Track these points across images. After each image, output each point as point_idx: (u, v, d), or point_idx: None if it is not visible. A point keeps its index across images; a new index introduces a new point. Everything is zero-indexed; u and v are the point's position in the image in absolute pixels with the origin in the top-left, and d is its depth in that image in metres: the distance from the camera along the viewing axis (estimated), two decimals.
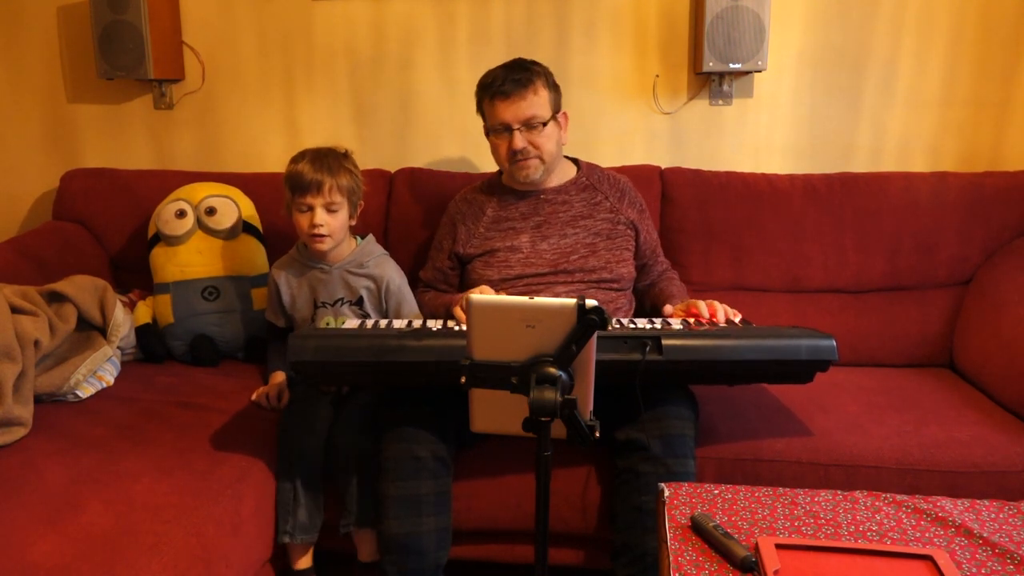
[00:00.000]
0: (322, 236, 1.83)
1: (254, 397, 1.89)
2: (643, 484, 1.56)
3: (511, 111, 1.82)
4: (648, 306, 2.01)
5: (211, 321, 2.14)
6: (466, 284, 1.97)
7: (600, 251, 1.91)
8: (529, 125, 1.83)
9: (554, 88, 1.88)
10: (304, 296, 1.93)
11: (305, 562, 1.77)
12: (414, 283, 2.06)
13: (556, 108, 1.88)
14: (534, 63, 1.87)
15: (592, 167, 2.04)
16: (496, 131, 1.86)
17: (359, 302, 1.90)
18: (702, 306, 1.68)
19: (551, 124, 1.86)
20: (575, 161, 2.04)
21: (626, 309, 1.94)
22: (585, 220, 1.93)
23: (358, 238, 1.97)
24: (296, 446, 1.72)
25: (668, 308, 1.78)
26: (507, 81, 1.81)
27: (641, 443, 1.57)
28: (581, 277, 1.88)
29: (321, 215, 1.81)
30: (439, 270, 2.02)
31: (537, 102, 1.82)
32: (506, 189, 1.98)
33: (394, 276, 1.92)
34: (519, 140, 1.83)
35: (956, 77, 2.31)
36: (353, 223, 1.92)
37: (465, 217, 1.99)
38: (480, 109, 1.91)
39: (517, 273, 1.89)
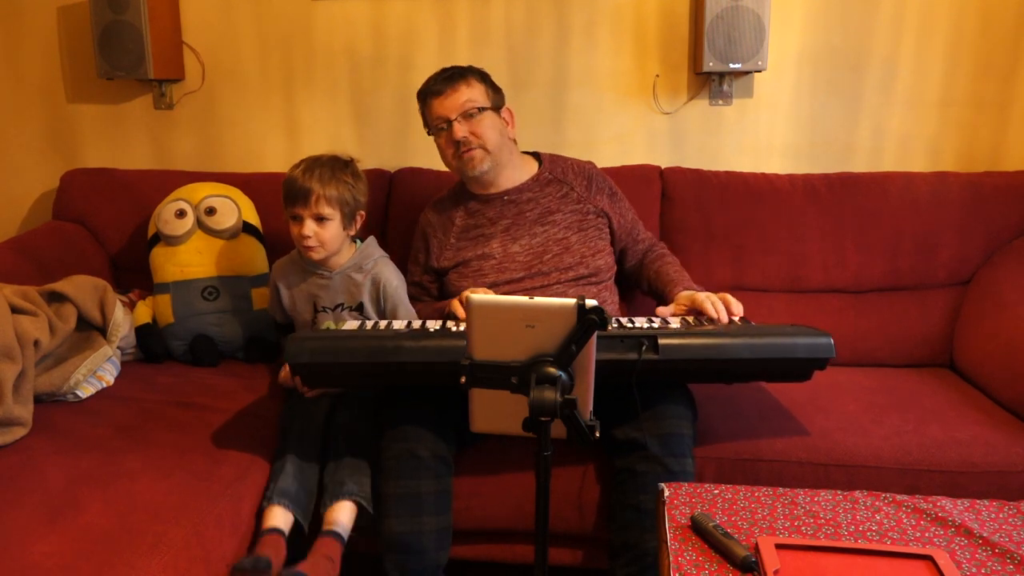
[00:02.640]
0: (312, 247, 1.81)
1: (281, 377, 1.89)
2: (641, 483, 1.56)
3: (446, 105, 1.84)
4: (645, 287, 2.00)
5: (211, 321, 2.14)
6: (445, 296, 1.96)
7: (573, 246, 1.89)
8: (467, 114, 1.84)
9: (492, 86, 1.90)
10: (303, 300, 1.92)
11: (275, 521, 1.59)
12: None
13: (497, 104, 1.90)
14: (469, 66, 1.90)
15: (555, 159, 2.02)
16: (437, 129, 1.87)
17: (359, 307, 1.90)
18: (709, 308, 1.65)
19: (490, 114, 1.86)
20: (536, 156, 2.03)
21: (610, 302, 1.93)
22: (554, 215, 1.92)
23: (358, 242, 1.95)
24: (294, 433, 1.73)
25: (664, 310, 1.74)
26: (439, 80, 1.86)
27: (639, 442, 1.57)
28: (558, 277, 1.87)
29: (309, 226, 1.79)
30: (419, 284, 2.00)
31: (470, 91, 1.85)
32: (471, 196, 1.97)
33: (391, 278, 1.90)
34: (459, 130, 1.83)
35: (956, 77, 2.31)
36: (351, 234, 1.89)
37: (436, 230, 1.98)
38: (423, 117, 1.92)
39: (491, 281, 1.88)
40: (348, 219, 1.85)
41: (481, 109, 1.85)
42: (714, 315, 1.65)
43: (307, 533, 1.64)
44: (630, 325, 1.60)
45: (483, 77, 1.90)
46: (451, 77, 1.86)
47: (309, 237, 1.79)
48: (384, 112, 2.49)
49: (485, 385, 1.17)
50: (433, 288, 2.01)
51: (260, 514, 1.63)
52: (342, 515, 1.64)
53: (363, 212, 1.89)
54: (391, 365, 1.48)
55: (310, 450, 1.72)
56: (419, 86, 2.41)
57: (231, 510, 1.53)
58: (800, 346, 1.50)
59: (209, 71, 2.52)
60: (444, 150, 1.90)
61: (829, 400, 1.85)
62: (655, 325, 1.61)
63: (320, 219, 1.79)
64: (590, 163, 2.04)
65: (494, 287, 1.87)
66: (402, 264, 2.03)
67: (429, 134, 1.92)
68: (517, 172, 1.96)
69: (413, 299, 2.00)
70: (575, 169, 2.00)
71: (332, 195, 1.79)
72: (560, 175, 1.97)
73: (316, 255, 1.83)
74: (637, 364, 1.46)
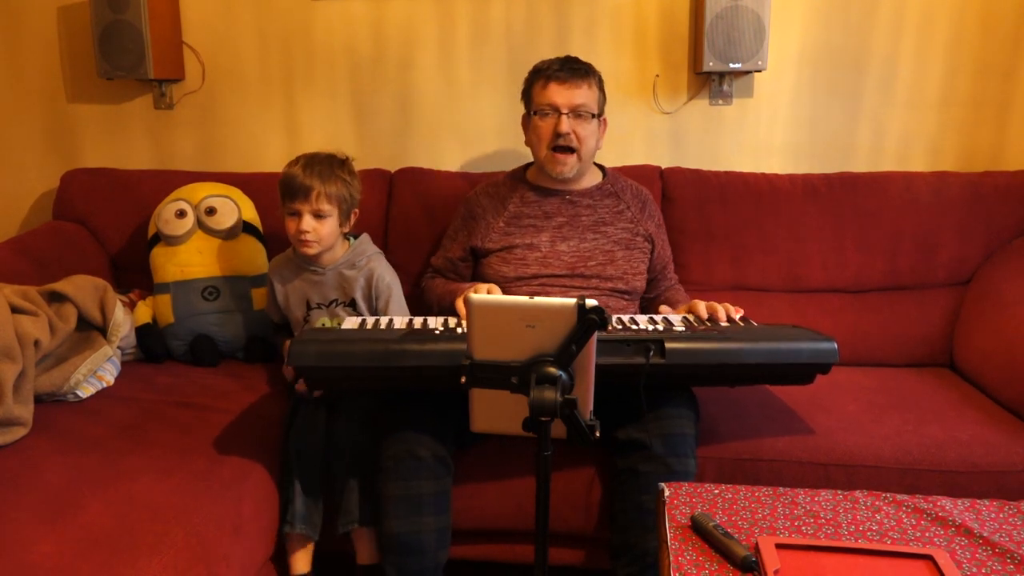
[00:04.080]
0: (308, 242, 1.82)
1: (285, 369, 1.90)
2: (643, 483, 1.56)
3: (564, 95, 1.83)
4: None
5: (211, 321, 2.14)
6: (480, 279, 1.96)
7: (618, 260, 1.90)
8: (577, 113, 1.83)
9: (603, 91, 1.90)
10: (297, 297, 1.93)
11: (303, 566, 1.75)
12: (422, 272, 2.06)
13: (601, 109, 1.89)
14: (591, 67, 1.89)
15: (617, 175, 2.04)
16: (542, 112, 1.85)
17: (352, 303, 1.90)
18: (701, 308, 1.68)
19: (596, 122, 1.87)
20: (601, 167, 2.04)
21: (632, 314, 1.93)
22: (606, 227, 1.93)
23: (351, 238, 1.96)
24: (298, 445, 1.73)
25: (666, 308, 1.79)
26: (565, 68, 1.84)
27: (642, 442, 1.57)
28: (597, 284, 1.88)
29: (308, 221, 1.80)
30: (450, 260, 2.01)
31: (590, 94, 1.85)
32: (531, 185, 1.97)
33: (384, 273, 1.91)
34: (565, 124, 1.82)
35: (956, 77, 2.31)
36: (345, 231, 1.91)
37: (486, 211, 1.97)
38: (527, 95, 1.91)
39: (534, 272, 1.89)
40: (344, 216, 1.87)
41: (593, 115, 1.85)
42: (703, 315, 1.66)
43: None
44: (634, 325, 1.60)
45: (599, 81, 1.89)
46: (577, 71, 1.84)
47: (307, 232, 1.81)
48: (384, 112, 2.49)
49: (485, 385, 1.17)
50: (463, 268, 2.00)
51: (281, 538, 1.71)
52: (370, 547, 1.73)
53: (357, 210, 1.91)
54: (396, 369, 1.48)
55: (314, 466, 1.73)
56: (420, 85, 2.44)
57: (231, 510, 1.53)
58: (805, 351, 1.50)
59: (209, 71, 2.52)
60: (539, 133, 1.87)
61: (829, 400, 1.85)
62: (658, 325, 1.61)
63: (319, 216, 1.81)
64: (647, 190, 2.06)
65: (535, 279, 1.88)
66: (403, 262, 2.04)
67: (527, 110, 1.91)
68: (585, 177, 1.97)
69: (437, 272, 2.03)
70: (633, 191, 2.01)
71: (331, 192, 1.81)
72: (620, 191, 1.99)
73: (312, 251, 1.85)
74: (644, 369, 1.46)
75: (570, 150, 1.85)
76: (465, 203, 2.03)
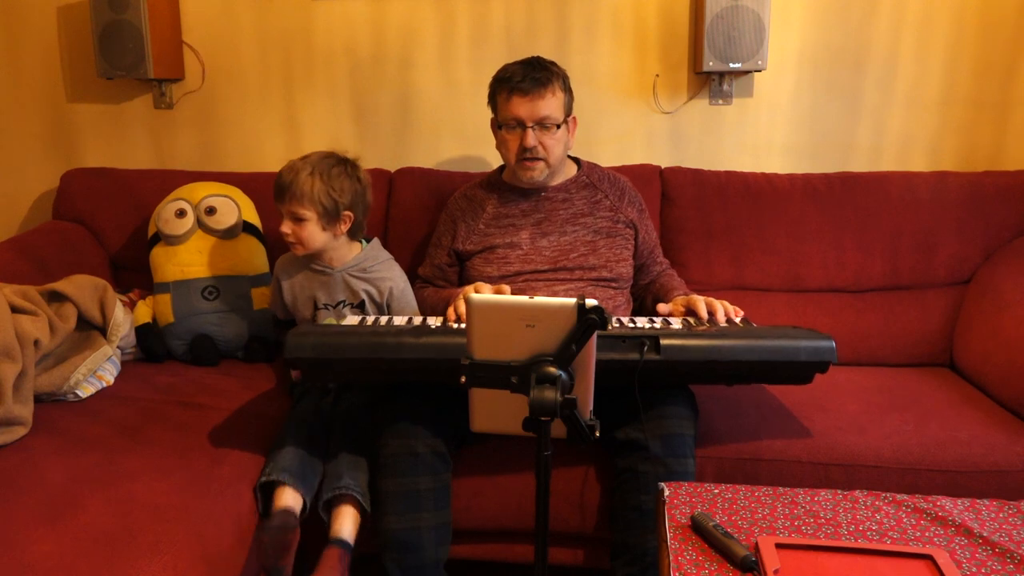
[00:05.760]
0: (290, 243, 1.84)
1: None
2: (643, 484, 1.56)
3: (527, 108, 1.82)
4: (649, 301, 2.01)
5: (211, 321, 2.14)
6: (465, 281, 1.98)
7: (600, 249, 1.91)
8: (542, 125, 1.83)
9: (568, 92, 1.89)
10: (304, 297, 1.93)
11: (286, 500, 1.58)
12: (413, 280, 2.06)
13: (568, 112, 1.89)
14: (553, 64, 1.87)
15: (592, 166, 2.05)
16: (508, 126, 1.86)
17: (361, 305, 1.90)
18: (701, 306, 1.67)
19: (562, 127, 1.86)
20: (576, 160, 2.04)
21: (624, 307, 1.94)
22: (585, 218, 1.94)
23: (363, 241, 1.96)
24: (296, 416, 1.74)
25: (663, 307, 1.78)
26: (527, 78, 1.81)
27: (641, 443, 1.57)
28: (581, 275, 1.89)
29: (286, 223, 1.82)
30: (437, 267, 2.02)
31: (553, 103, 1.83)
32: (507, 186, 1.98)
33: (398, 282, 1.92)
34: (531, 138, 1.83)
35: (956, 77, 2.31)
36: (338, 234, 1.85)
37: (465, 214, 1.99)
38: (492, 102, 1.91)
39: (516, 270, 1.89)
40: (328, 219, 1.82)
41: (558, 126, 1.84)
42: (703, 315, 1.66)
43: (307, 512, 1.64)
44: (631, 325, 1.60)
45: (564, 83, 1.87)
46: (539, 79, 1.81)
47: (287, 235, 1.83)
48: (384, 112, 2.49)
49: (485, 385, 1.17)
50: (451, 273, 2.01)
51: (259, 493, 1.61)
52: (346, 522, 1.64)
53: (350, 213, 1.84)
54: (392, 362, 1.48)
55: (313, 433, 1.72)
56: (420, 85, 2.44)
57: (231, 510, 1.53)
58: (803, 349, 1.50)
59: (209, 71, 2.52)
60: (507, 146, 1.88)
61: (829, 400, 1.85)
62: (656, 325, 1.61)
63: (296, 218, 1.81)
64: (625, 178, 2.06)
65: (518, 276, 1.89)
66: (403, 261, 2.03)
67: (495, 121, 1.90)
68: (559, 172, 1.98)
69: (427, 282, 2.02)
70: (611, 180, 2.02)
71: (305, 194, 1.78)
72: (596, 181, 1.99)
73: (297, 251, 1.86)
74: (639, 364, 1.46)
75: (538, 158, 1.86)
76: (445, 209, 2.05)
